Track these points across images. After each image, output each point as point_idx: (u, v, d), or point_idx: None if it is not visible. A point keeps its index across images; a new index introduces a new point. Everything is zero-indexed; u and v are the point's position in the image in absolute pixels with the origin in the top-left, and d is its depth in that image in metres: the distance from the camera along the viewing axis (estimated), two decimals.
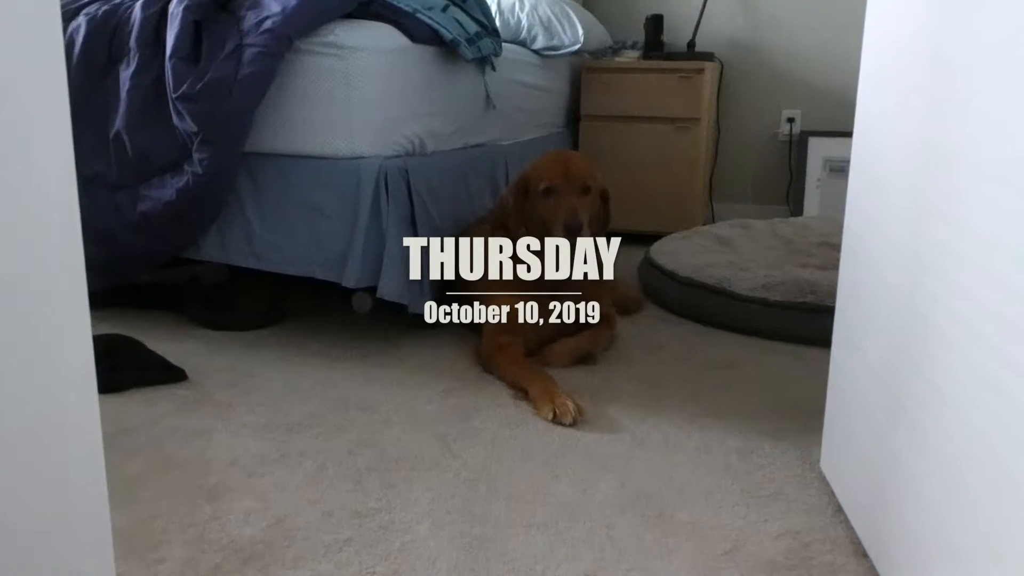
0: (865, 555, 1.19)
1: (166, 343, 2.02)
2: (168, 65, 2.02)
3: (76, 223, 0.76)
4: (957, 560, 0.88)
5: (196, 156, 2.01)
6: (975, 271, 0.87)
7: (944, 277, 0.95)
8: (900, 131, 1.13)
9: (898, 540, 1.06)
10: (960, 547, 0.87)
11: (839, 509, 1.33)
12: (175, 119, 2.02)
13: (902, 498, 1.05)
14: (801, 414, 1.70)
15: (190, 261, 2.30)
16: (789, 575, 1.16)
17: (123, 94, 2.11)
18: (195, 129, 1.98)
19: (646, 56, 3.61)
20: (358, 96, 2.00)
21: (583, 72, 3.54)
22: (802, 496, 1.39)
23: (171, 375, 1.86)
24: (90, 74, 2.15)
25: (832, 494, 1.37)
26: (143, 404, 1.72)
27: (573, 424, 1.63)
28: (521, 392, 1.78)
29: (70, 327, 0.76)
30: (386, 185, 2.01)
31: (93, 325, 0.79)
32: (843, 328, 1.37)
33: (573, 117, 3.61)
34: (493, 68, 2.53)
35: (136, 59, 2.09)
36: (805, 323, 2.18)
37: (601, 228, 2.09)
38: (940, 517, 0.93)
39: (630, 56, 3.66)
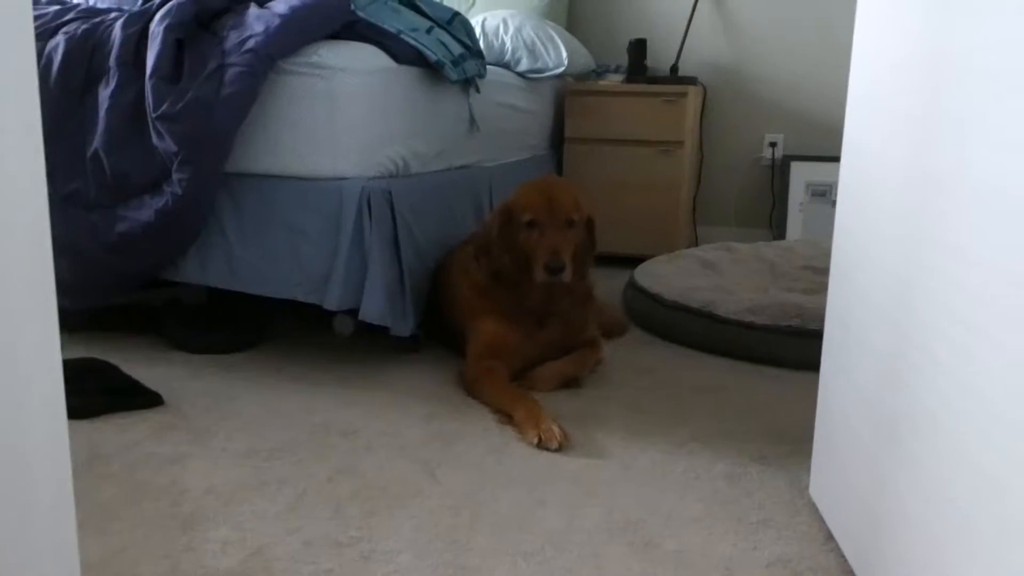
0: None
1: (142, 367, 1.98)
2: (148, 84, 2.00)
3: (46, 242, 0.73)
4: None
5: (176, 176, 1.98)
6: (967, 294, 0.86)
7: (936, 301, 0.94)
8: (890, 156, 1.12)
9: (890, 568, 1.04)
10: (956, 574, 0.85)
11: (829, 536, 1.31)
12: (155, 139, 2.00)
13: (893, 525, 1.03)
14: (789, 439, 1.68)
15: (168, 283, 2.26)
16: None
17: (102, 113, 2.08)
18: (175, 149, 1.95)
19: (629, 80, 3.62)
20: (341, 117, 1.99)
21: (567, 95, 3.54)
22: (792, 523, 1.36)
23: (147, 400, 1.81)
24: (68, 93, 2.12)
25: (822, 520, 1.35)
26: (117, 430, 1.68)
27: (559, 449, 1.61)
28: (506, 417, 1.75)
29: (38, 349, 0.73)
30: (369, 206, 1.99)
31: (68, 348, 0.76)
32: (832, 353, 1.36)
33: (557, 140, 3.61)
34: (477, 90, 2.52)
35: (116, 78, 2.07)
36: (791, 347, 2.17)
37: (586, 256, 2.06)
38: (933, 544, 0.91)
39: (614, 79, 3.68)
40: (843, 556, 1.24)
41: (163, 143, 1.97)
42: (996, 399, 0.78)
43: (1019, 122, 0.76)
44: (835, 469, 1.31)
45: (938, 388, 0.92)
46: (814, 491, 1.42)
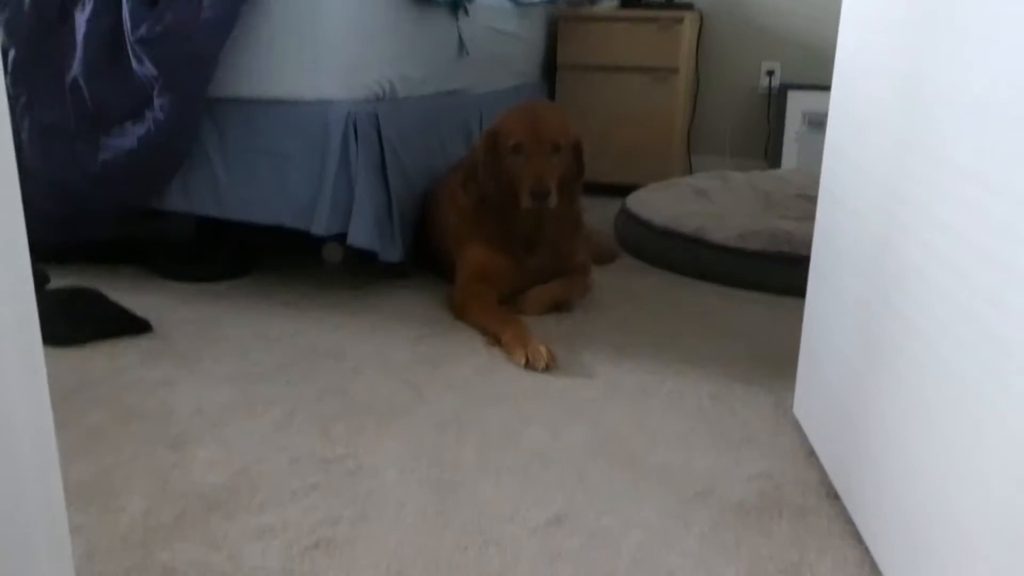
0: (836, 497, 1.19)
1: (130, 296, 1.97)
2: (125, 8, 1.95)
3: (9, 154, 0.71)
4: (929, 499, 0.87)
5: (157, 102, 1.95)
6: (954, 202, 0.85)
7: (922, 210, 0.93)
8: (882, 66, 1.10)
9: (869, 482, 1.05)
10: (933, 487, 0.86)
11: (811, 453, 1.32)
12: (134, 64, 1.95)
13: (874, 440, 1.04)
14: (776, 361, 1.69)
15: (154, 213, 2.24)
16: (760, 517, 1.15)
17: (79, 39, 2.03)
18: (155, 74, 1.92)
19: (624, 5, 3.54)
20: (325, 38, 1.94)
21: (560, 21, 3.47)
22: (774, 440, 1.38)
23: (135, 326, 1.81)
24: (44, 20, 2.06)
25: (805, 438, 1.37)
26: (105, 356, 1.68)
27: (546, 370, 1.62)
28: (494, 339, 1.76)
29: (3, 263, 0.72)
30: (355, 131, 1.96)
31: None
32: (818, 272, 1.35)
33: (549, 67, 3.55)
34: (467, 13, 2.46)
35: (92, 2, 2.01)
36: (780, 273, 2.16)
37: (574, 182, 2.04)
38: (912, 458, 0.92)
39: (608, 5, 3.59)
40: (824, 471, 1.25)
41: (143, 68, 1.93)
42: (980, 312, 0.77)
43: (1012, 30, 0.74)
44: (819, 388, 1.32)
45: (922, 301, 0.91)
46: (798, 410, 1.43)
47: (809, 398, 1.37)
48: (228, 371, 1.61)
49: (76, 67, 2.04)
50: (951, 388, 0.83)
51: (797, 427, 1.41)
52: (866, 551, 1.05)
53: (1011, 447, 0.71)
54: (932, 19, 0.93)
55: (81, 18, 2.04)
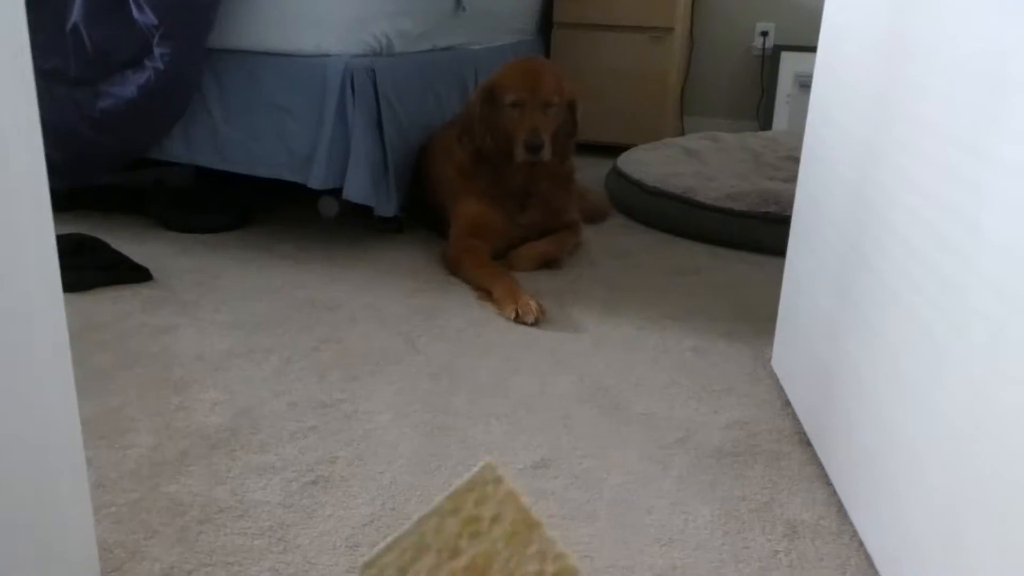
0: (809, 444, 1.25)
1: (131, 244, 2.01)
2: None
3: (35, 122, 0.75)
4: (892, 441, 0.93)
5: (157, 51, 1.97)
6: (924, 160, 0.90)
7: (895, 167, 0.98)
8: (863, 27, 1.14)
9: (840, 429, 1.12)
10: (896, 429, 0.92)
11: (787, 403, 1.39)
12: (135, 12, 1.97)
13: (845, 389, 1.10)
14: (758, 317, 1.75)
15: (155, 162, 2.27)
16: (735, 461, 1.22)
17: None
18: (155, 22, 1.93)
19: None
20: None
21: None
22: (753, 391, 1.44)
23: (137, 275, 1.86)
24: None
25: (781, 389, 1.43)
26: (109, 302, 1.73)
27: (535, 323, 1.67)
28: (485, 293, 1.81)
29: (32, 224, 0.76)
30: (352, 85, 1.98)
31: (56, 226, 0.79)
32: (800, 230, 1.40)
33: (545, 24, 3.55)
34: None
35: None
36: (768, 232, 2.21)
37: (567, 139, 2.08)
38: (879, 405, 0.98)
39: None
40: (797, 419, 1.32)
41: (143, 16, 1.95)
42: (951, 271, 0.82)
43: None
44: (796, 341, 1.37)
45: (892, 256, 0.97)
46: (775, 363, 1.49)
47: (786, 351, 1.43)
48: (228, 319, 1.66)
49: (76, 12, 2.05)
50: (915, 336, 0.88)
51: (774, 379, 1.47)
52: (833, 492, 1.12)
53: (966, 386, 0.76)
54: None
55: None
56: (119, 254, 1.90)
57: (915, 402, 0.87)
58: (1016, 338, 0.68)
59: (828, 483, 1.15)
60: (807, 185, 1.37)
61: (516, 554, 0.44)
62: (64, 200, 2.19)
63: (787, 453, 1.24)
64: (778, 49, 3.69)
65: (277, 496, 1.09)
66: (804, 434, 1.28)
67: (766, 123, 3.72)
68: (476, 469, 0.47)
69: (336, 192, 2.05)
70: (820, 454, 1.20)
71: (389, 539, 0.48)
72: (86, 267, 1.81)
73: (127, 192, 2.38)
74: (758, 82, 3.79)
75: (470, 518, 0.47)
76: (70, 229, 1.99)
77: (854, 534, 1.04)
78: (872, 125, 1.07)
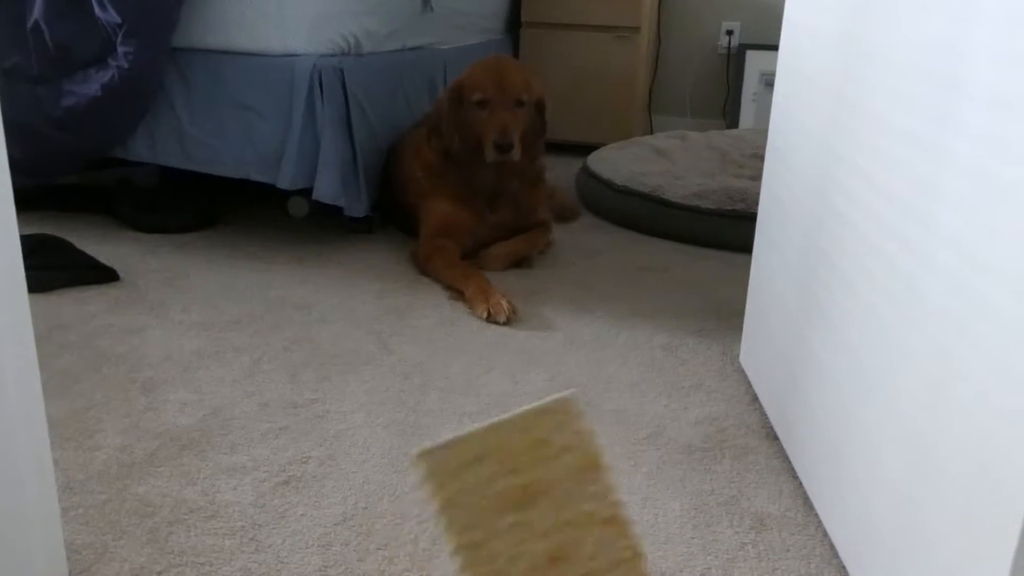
0: (776, 438, 1.28)
1: (96, 245, 1.99)
2: None
3: None
4: (854, 438, 0.95)
5: (121, 50, 1.95)
6: (881, 158, 0.92)
7: (853, 165, 1.00)
8: (822, 27, 1.16)
9: (804, 422, 1.14)
10: (857, 426, 0.94)
11: (755, 399, 1.41)
12: (97, 10, 1.95)
13: (809, 385, 1.12)
14: (726, 314, 1.77)
15: (120, 162, 2.24)
16: (704, 457, 1.23)
17: None
18: (118, 20, 1.91)
19: None
20: None
21: None
22: (721, 387, 1.46)
23: (103, 275, 1.84)
24: None
25: (749, 385, 1.45)
26: (75, 303, 1.71)
27: (507, 322, 1.68)
28: (457, 293, 1.81)
29: None
30: (320, 84, 1.98)
31: (20, 226, 0.79)
32: (764, 227, 1.43)
33: (514, 24, 3.56)
34: None
35: None
36: (735, 230, 2.24)
37: (537, 138, 2.09)
38: (840, 400, 1.00)
39: None
40: (765, 415, 1.34)
41: (106, 14, 1.93)
42: (907, 267, 0.84)
43: None
44: (763, 337, 1.40)
45: (852, 253, 0.99)
46: (743, 359, 1.51)
47: (754, 348, 1.46)
48: (196, 320, 1.65)
49: (37, 10, 2.02)
50: (874, 331, 0.91)
51: (742, 375, 1.50)
52: (799, 485, 1.15)
53: (922, 380, 0.78)
54: None
55: None
56: (84, 254, 1.88)
57: (874, 397, 0.89)
58: (969, 333, 0.70)
59: (794, 476, 1.17)
60: (771, 183, 1.40)
61: (575, 489, 0.44)
62: (27, 200, 2.15)
63: (754, 448, 1.26)
64: (743, 48, 3.73)
65: (249, 496, 1.09)
66: (771, 429, 1.30)
67: (733, 121, 3.76)
68: (557, 396, 0.46)
69: (306, 192, 2.04)
70: (787, 448, 1.22)
71: (450, 436, 0.47)
72: (51, 268, 1.79)
73: (92, 192, 2.35)
74: (724, 80, 3.84)
75: (539, 441, 0.46)
76: (34, 229, 1.97)
77: (819, 525, 1.06)
78: (831, 123, 1.10)
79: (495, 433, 0.48)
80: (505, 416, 0.49)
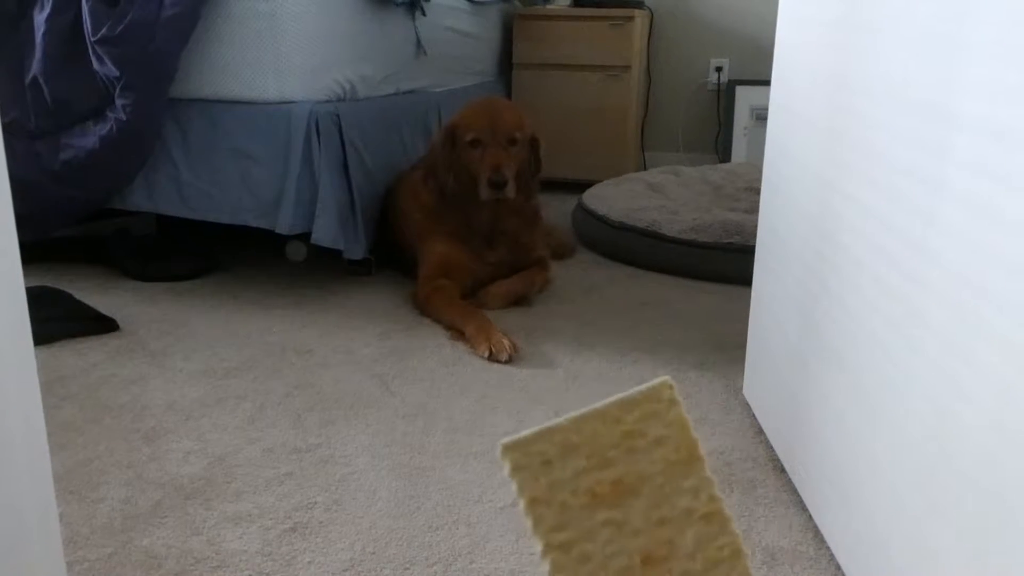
0: (783, 470, 1.27)
1: (95, 295, 1.99)
2: (85, 7, 1.96)
3: (3, 173, 0.75)
4: (861, 466, 0.95)
5: (119, 102, 1.97)
6: (876, 189, 0.93)
7: (850, 197, 1.01)
8: (814, 63, 1.18)
9: (812, 454, 1.13)
10: (864, 454, 0.94)
11: (760, 431, 1.41)
12: (95, 64, 1.97)
13: (814, 415, 1.12)
14: (728, 347, 1.77)
15: (117, 212, 2.25)
16: None
17: (38, 38, 2.04)
18: (117, 74, 1.93)
19: (577, 3, 3.61)
20: (286, 39, 1.98)
21: (515, 19, 3.53)
22: (726, 420, 1.46)
23: (102, 326, 1.83)
24: (2, 17, 2.07)
25: (754, 418, 1.45)
26: (75, 354, 1.70)
27: (509, 361, 1.68)
28: (457, 333, 1.81)
29: (2, 278, 0.75)
30: (317, 130, 2.00)
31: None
32: (763, 260, 1.44)
33: (505, 65, 3.61)
34: (423, 13, 2.51)
35: (51, 1, 2.02)
36: (732, 263, 2.25)
37: (531, 176, 2.11)
38: (846, 429, 1.00)
39: (561, 3, 3.67)
40: (771, 447, 1.34)
41: (104, 68, 1.95)
42: (901, 289, 0.85)
43: (919, 31, 0.82)
44: (766, 370, 1.40)
45: (853, 283, 0.99)
46: (747, 391, 1.51)
47: (757, 380, 1.45)
48: (198, 368, 1.65)
49: (35, 66, 2.05)
50: (876, 358, 0.91)
51: (747, 408, 1.49)
52: (809, 518, 1.14)
53: (926, 404, 0.78)
54: (854, 20, 1.02)
55: (40, 17, 2.05)
56: (84, 305, 1.88)
57: (880, 423, 0.89)
58: (970, 356, 0.70)
59: (804, 509, 1.16)
60: (768, 216, 1.41)
61: (671, 482, 0.41)
62: (24, 252, 2.16)
63: (762, 481, 1.25)
64: (733, 83, 3.78)
65: (255, 545, 1.08)
66: (778, 461, 1.30)
67: (725, 155, 3.80)
68: (652, 383, 0.43)
69: (304, 236, 2.05)
70: (795, 480, 1.21)
71: (538, 428, 0.45)
72: (50, 319, 1.79)
73: (89, 242, 2.36)
74: (715, 116, 3.88)
75: (632, 432, 0.44)
76: (32, 282, 1.96)
77: (831, 559, 1.05)
78: (825, 155, 1.11)
79: (584, 425, 0.45)
80: (593, 407, 0.47)
